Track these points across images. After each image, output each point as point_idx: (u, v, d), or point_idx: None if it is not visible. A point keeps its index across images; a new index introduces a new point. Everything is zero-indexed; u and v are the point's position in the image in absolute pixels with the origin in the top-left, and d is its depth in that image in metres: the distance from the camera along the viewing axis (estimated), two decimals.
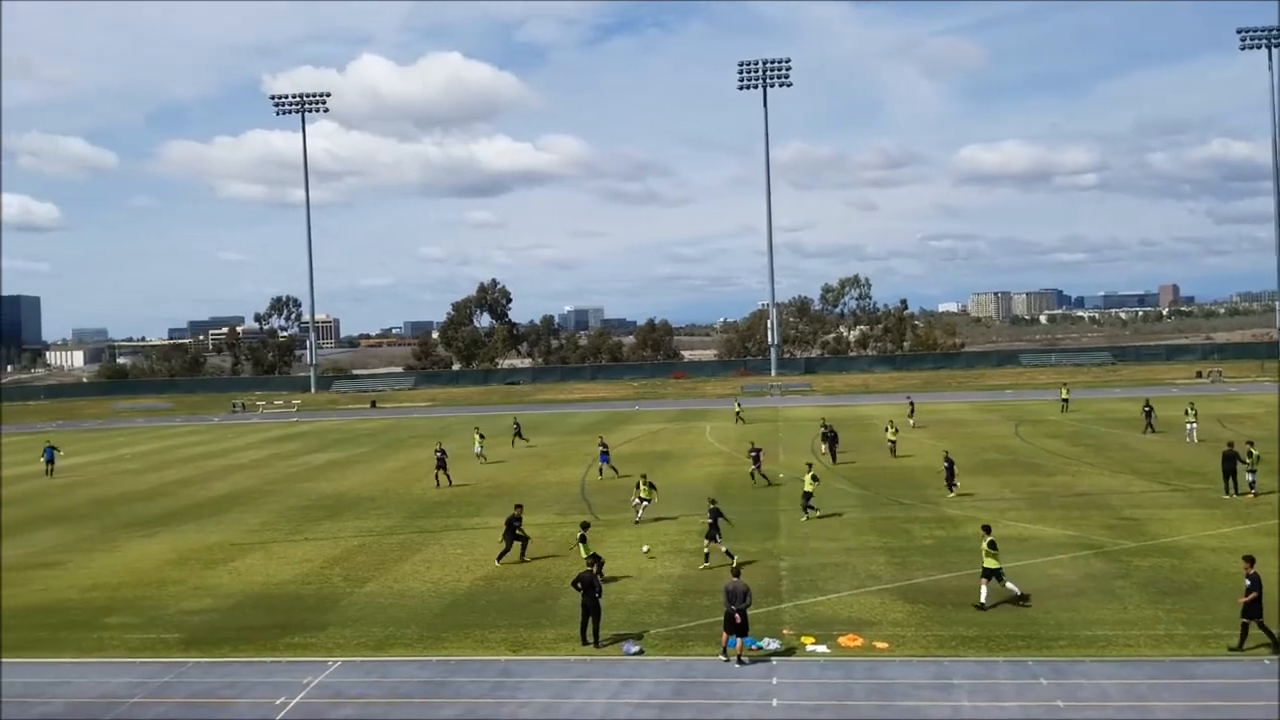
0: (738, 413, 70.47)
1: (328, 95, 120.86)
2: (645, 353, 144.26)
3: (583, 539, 27.49)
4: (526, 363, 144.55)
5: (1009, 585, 23.80)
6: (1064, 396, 68.50)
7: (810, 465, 36.93)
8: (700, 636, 22.16)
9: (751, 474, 41.80)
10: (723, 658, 20.65)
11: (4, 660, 22.51)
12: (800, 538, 31.78)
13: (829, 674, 19.82)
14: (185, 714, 18.90)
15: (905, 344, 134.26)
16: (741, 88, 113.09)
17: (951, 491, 37.74)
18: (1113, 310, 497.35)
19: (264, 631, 23.94)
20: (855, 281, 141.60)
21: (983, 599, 23.54)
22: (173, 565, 31.51)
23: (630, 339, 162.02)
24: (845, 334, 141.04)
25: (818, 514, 34.28)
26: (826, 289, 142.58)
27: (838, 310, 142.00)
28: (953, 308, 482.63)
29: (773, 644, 21.42)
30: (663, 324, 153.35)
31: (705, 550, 28.92)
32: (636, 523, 34.55)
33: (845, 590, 25.55)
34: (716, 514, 29.19)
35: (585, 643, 21.81)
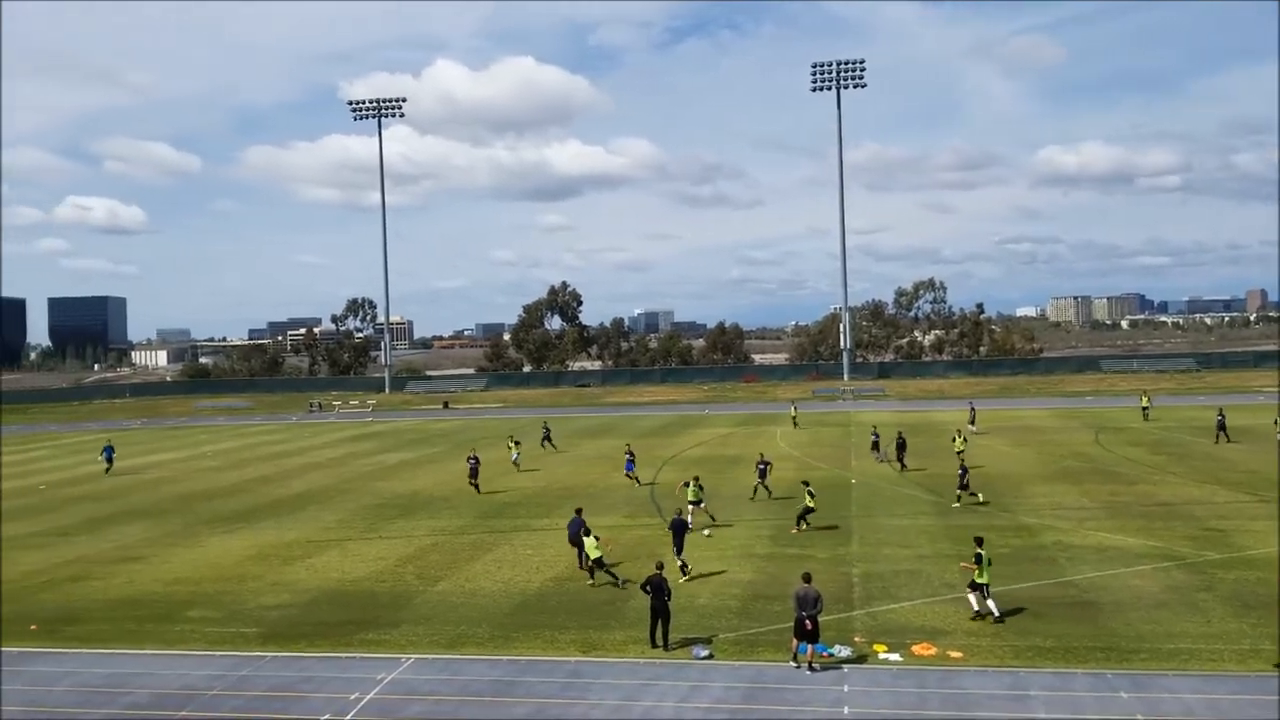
0: (793, 418, 69.89)
1: (404, 100, 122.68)
2: (715, 356, 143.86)
3: (584, 541, 27.85)
4: (596, 365, 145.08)
5: (988, 603, 23.30)
6: (1144, 405, 66.81)
7: (807, 483, 35.08)
8: (770, 642, 22.02)
9: (755, 488, 39.83)
10: (793, 664, 20.49)
11: (92, 651, 23.24)
12: (873, 544, 31.42)
13: (901, 683, 19.56)
14: (262, 707, 19.28)
15: (981, 349, 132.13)
16: (815, 89, 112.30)
17: (959, 501, 37.36)
18: (1197, 315, 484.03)
19: (339, 627, 24.34)
20: (930, 285, 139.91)
21: (975, 607, 23.35)
22: (252, 561, 32.19)
23: (700, 342, 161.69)
24: (920, 338, 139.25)
25: (807, 529, 33.41)
26: (900, 292, 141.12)
27: (912, 314, 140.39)
28: (1031, 312, 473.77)
29: (844, 651, 21.21)
30: (733, 327, 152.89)
31: (679, 561, 28.17)
32: (691, 530, 34.24)
33: (919, 598, 25.19)
34: (681, 525, 29.00)
35: (655, 646, 21.80)
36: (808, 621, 20.31)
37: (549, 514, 38.42)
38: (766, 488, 39.98)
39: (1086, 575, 26.91)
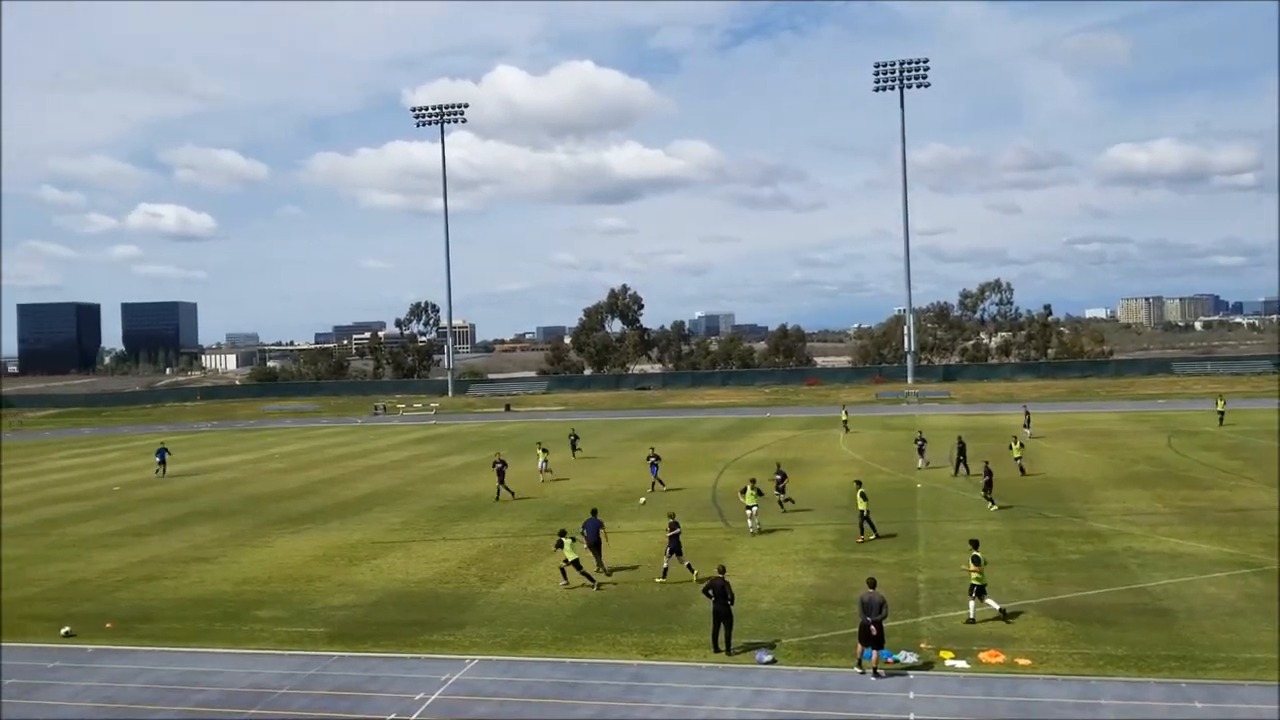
0: (844, 421, 68.72)
1: (465, 106, 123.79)
2: (777, 359, 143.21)
3: (560, 544, 27.83)
4: (657, 368, 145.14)
5: (989, 602, 23.52)
6: (1220, 409, 65.05)
7: (859, 484, 34.68)
8: (834, 648, 21.82)
9: (780, 503, 38.33)
10: (858, 670, 20.29)
11: (164, 649, 23.75)
12: (939, 549, 31.01)
13: (969, 690, 19.26)
14: (330, 706, 19.55)
15: (1050, 351, 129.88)
16: (878, 89, 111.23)
17: (992, 505, 37.11)
18: (1273, 316, 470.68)
19: (404, 628, 24.60)
20: (996, 286, 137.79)
21: (971, 615, 23.32)
22: (319, 562, 32.68)
23: (761, 345, 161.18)
24: (986, 341, 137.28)
25: (875, 537, 32.55)
26: (966, 294, 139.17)
27: (978, 316, 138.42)
28: (1101, 314, 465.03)
29: (910, 657, 20.95)
30: (795, 330, 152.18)
31: (665, 565, 28.40)
32: (753, 534, 34.17)
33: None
34: (676, 528, 28.71)
35: (717, 650, 21.72)
36: (873, 627, 20.08)
37: (610, 516, 38.40)
38: (789, 499, 38.56)
39: (1160, 582, 26.29)
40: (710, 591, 21.90)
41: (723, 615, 21.71)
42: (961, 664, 20.60)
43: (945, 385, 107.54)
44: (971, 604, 23.47)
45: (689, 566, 28.10)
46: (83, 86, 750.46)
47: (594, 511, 31.05)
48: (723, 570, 22.59)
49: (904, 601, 24.84)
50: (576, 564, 27.81)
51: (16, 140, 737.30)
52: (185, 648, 23.75)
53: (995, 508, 37.00)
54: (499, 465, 45.10)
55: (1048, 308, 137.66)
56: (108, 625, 25.83)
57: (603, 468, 53.17)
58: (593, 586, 27.49)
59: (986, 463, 39.74)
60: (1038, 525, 34.05)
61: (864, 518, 32.86)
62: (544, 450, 50.62)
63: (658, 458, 46.39)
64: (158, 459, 58.47)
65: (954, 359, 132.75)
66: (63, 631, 25.15)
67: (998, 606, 23.66)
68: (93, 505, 47.15)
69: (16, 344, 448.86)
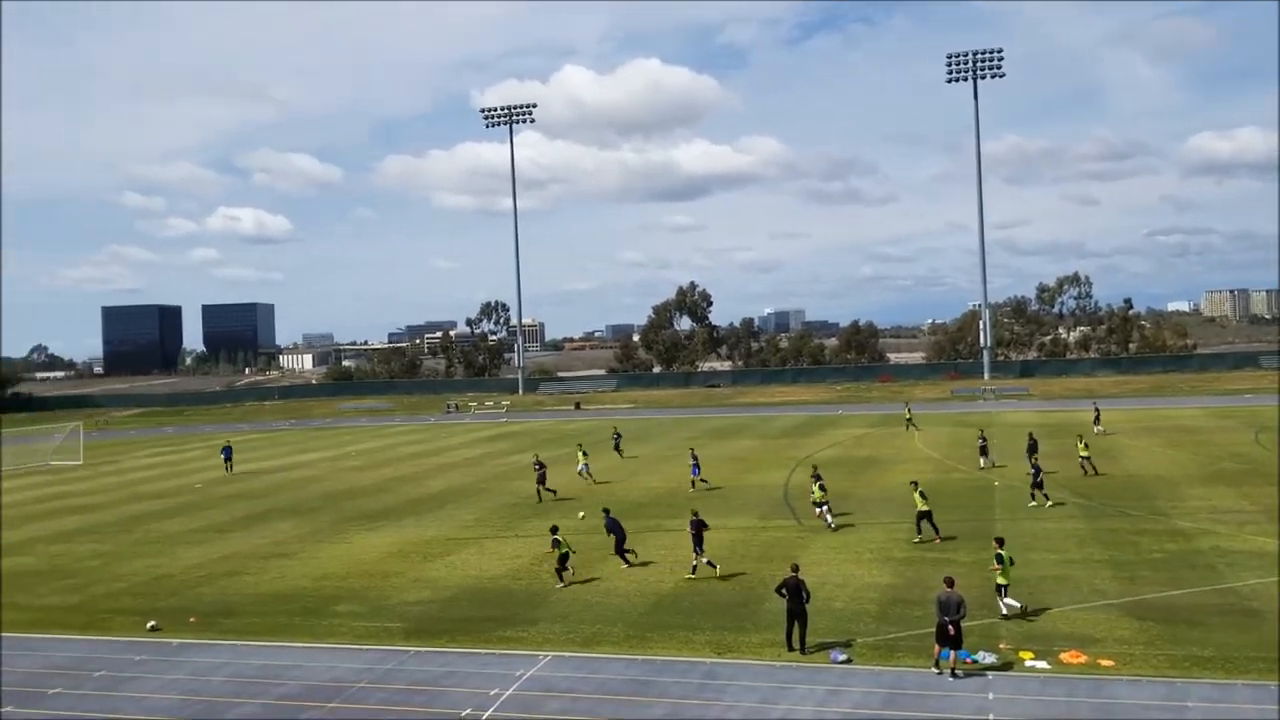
0: (908, 419, 67.45)
1: (534, 106, 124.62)
2: (849, 355, 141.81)
3: (555, 542, 28.48)
4: (726, 365, 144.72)
5: (1008, 600, 23.63)
6: None
7: (916, 483, 33.86)
8: (911, 648, 21.52)
9: (815, 504, 36.95)
10: (935, 670, 19.99)
11: (246, 643, 24.26)
12: (1018, 549, 30.31)
13: (1050, 691, 18.86)
14: (407, 700, 19.79)
15: (1131, 345, 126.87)
16: (950, 80, 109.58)
17: (1033, 500, 36.80)
18: None
19: (479, 624, 24.82)
20: (1074, 280, 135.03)
21: (1004, 612, 23.36)
22: (394, 558, 33.12)
23: (833, 341, 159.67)
24: (1064, 335, 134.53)
25: (939, 538, 31.75)
26: (1043, 288, 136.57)
27: (1056, 310, 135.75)
28: (1183, 307, 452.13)
29: (988, 658, 20.57)
30: (867, 326, 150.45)
31: (693, 563, 28.60)
32: (833, 529, 33.93)
33: (1067, 604, 24.27)
34: (700, 525, 28.87)
35: (791, 649, 21.55)
36: (950, 627, 19.79)
37: (680, 514, 38.33)
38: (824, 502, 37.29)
39: (1247, 582, 25.50)
40: (784, 590, 21.74)
41: (797, 614, 21.54)
42: (1042, 665, 20.18)
43: (1023, 381, 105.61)
44: (1001, 603, 23.48)
45: (709, 563, 28.40)
46: (163, 95, 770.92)
47: (606, 510, 31.79)
48: (796, 569, 22.41)
49: (982, 601, 24.38)
50: (564, 560, 28.64)
51: (99, 148, 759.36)
52: (266, 642, 24.24)
53: (1050, 504, 36.57)
54: (538, 467, 45.11)
55: (1128, 301, 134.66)
56: (191, 620, 26.46)
57: (671, 465, 53.13)
58: (560, 584, 28.21)
59: (1035, 459, 39.34)
60: (1120, 524, 33.25)
61: (923, 517, 32.22)
62: (584, 453, 50.34)
63: (697, 458, 46.31)
64: (224, 457, 59.94)
65: (1031, 355, 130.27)
66: (149, 626, 25.82)
67: (1017, 604, 23.61)
68: (176, 502, 48.37)
69: (102, 346, 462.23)
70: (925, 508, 32.23)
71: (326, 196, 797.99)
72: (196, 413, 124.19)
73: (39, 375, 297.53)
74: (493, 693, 19.87)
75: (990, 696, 18.72)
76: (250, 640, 24.41)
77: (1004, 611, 23.38)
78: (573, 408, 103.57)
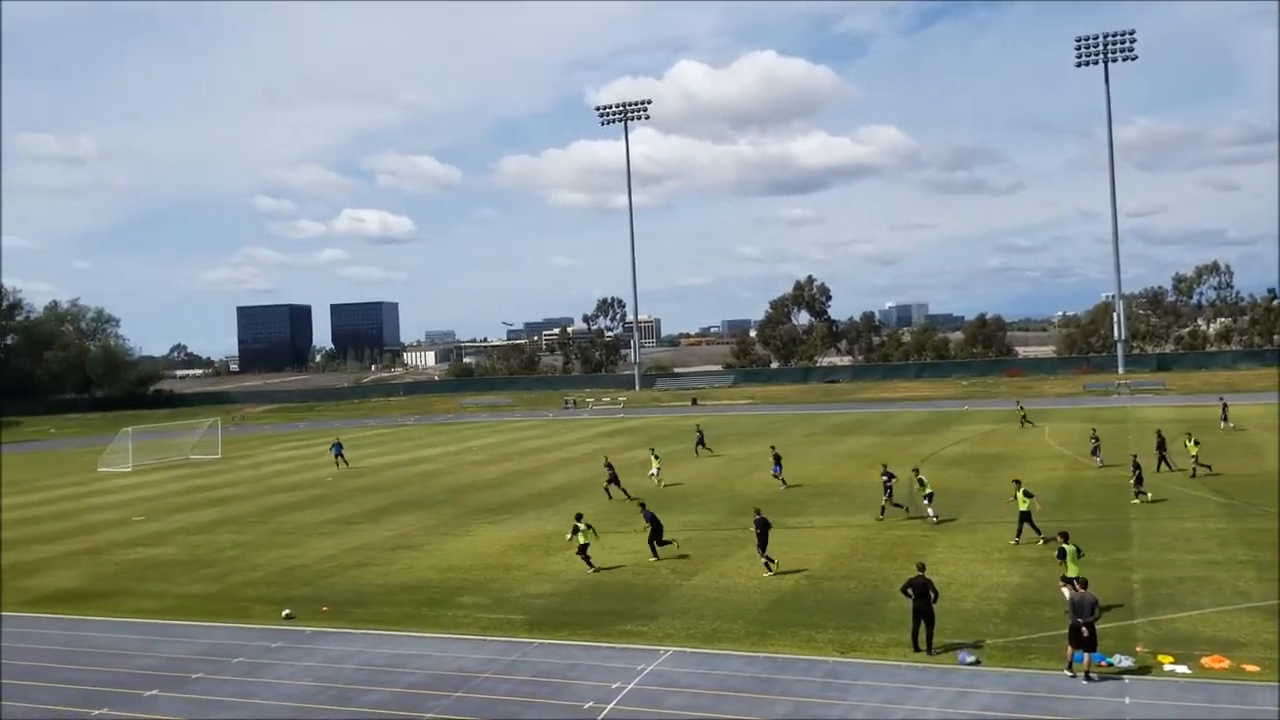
0: (1021, 415, 65.57)
1: (648, 103, 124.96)
2: (975, 349, 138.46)
3: (575, 530, 30.00)
4: (846, 360, 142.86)
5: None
6: None
7: (1018, 482, 32.60)
8: (1042, 650, 20.82)
9: (882, 506, 36.31)
10: (1068, 673, 19.31)
11: (375, 632, 24.90)
12: (1156, 548, 29.23)
13: (1190, 696, 18.03)
14: (531, 692, 20.01)
15: (1276, 337, 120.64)
16: (1079, 64, 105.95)
17: (1138, 498, 36.15)
18: None
19: (600, 618, 24.97)
20: (1214, 269, 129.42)
21: None
22: (516, 551, 33.59)
23: (958, 335, 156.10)
24: (1204, 327, 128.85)
25: (1041, 541, 30.29)
26: (1180, 278, 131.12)
27: (1194, 301, 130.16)
28: None
29: (1125, 661, 19.78)
30: (994, 319, 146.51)
31: (764, 559, 28.57)
32: (935, 521, 33.52)
33: (1208, 607, 23.19)
34: (764, 524, 28.78)
35: (917, 649, 21.08)
36: (1084, 628, 19.09)
37: (802, 512, 38.03)
38: (895, 504, 36.38)
39: None
40: (910, 589, 21.28)
41: (924, 613, 21.06)
42: (1182, 669, 19.31)
43: (1159, 375, 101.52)
44: (1066, 591, 22.53)
45: (766, 562, 28.40)
46: (292, 102, 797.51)
47: (643, 504, 33.17)
48: (922, 567, 21.92)
49: (1118, 602, 23.51)
50: (584, 549, 29.70)
51: (233, 154, 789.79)
52: (394, 631, 24.83)
53: (1149, 498, 36.18)
54: (609, 468, 44.53)
55: (1272, 291, 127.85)
56: (324, 609, 27.28)
57: (792, 462, 52.56)
58: (591, 570, 29.66)
59: (1134, 455, 38.55)
60: (1265, 524, 31.62)
61: (1025, 519, 30.99)
62: (656, 456, 49.00)
63: (778, 456, 45.37)
64: (334, 453, 61.79)
65: (1168, 347, 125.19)
66: (284, 614, 26.73)
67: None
68: (307, 495, 50.01)
69: (237, 344, 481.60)
70: (1026, 508, 31.11)
71: (447, 197, 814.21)
72: (326, 408, 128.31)
73: (179, 373, 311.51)
74: (615, 686, 19.95)
75: (1126, 701, 18.01)
76: (379, 629, 25.04)
77: None
78: (689, 403, 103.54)
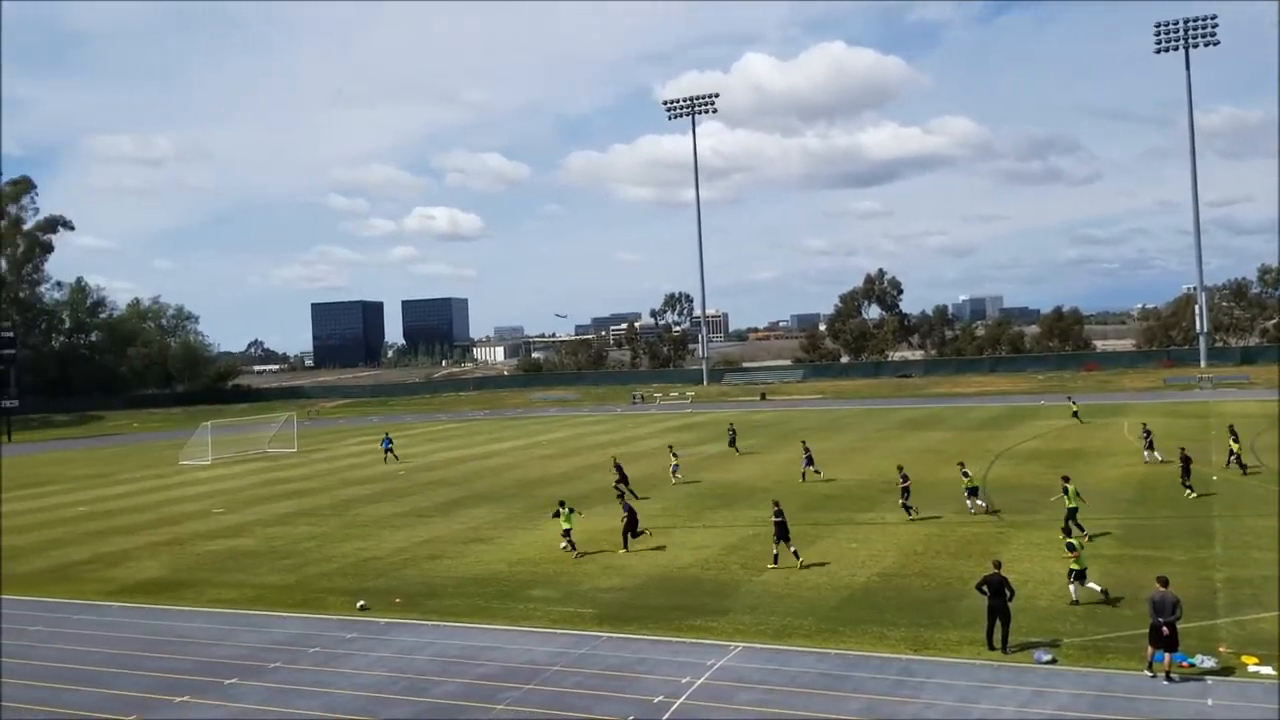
0: (1074, 411, 64.72)
1: (716, 96, 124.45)
2: (1051, 343, 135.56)
3: (556, 514, 32.54)
4: (918, 354, 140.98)
5: (1090, 585, 23.92)
6: None
7: (1067, 479, 31.99)
8: (1121, 649, 20.37)
9: (905, 507, 35.45)
10: (1148, 673, 18.86)
11: (447, 624, 25.18)
12: (1240, 546, 28.42)
13: (1275, 699, 17.47)
14: (601, 684, 20.08)
15: None
16: (1159, 50, 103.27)
17: (1191, 492, 36.06)
18: None
19: (668, 612, 24.97)
20: None
21: (1074, 597, 23.85)
22: (585, 545, 33.62)
23: (1033, 329, 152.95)
24: None
25: (1087, 537, 29.41)
26: (1265, 270, 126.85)
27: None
28: None
29: (1207, 661, 19.27)
30: (1071, 312, 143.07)
31: (774, 551, 29.27)
32: (973, 513, 33.52)
33: None
34: (781, 514, 29.38)
35: (992, 647, 20.75)
36: (1165, 628, 18.64)
37: (873, 507, 37.66)
38: (907, 506, 35.46)
39: None
40: (985, 587, 20.95)
41: (999, 611, 20.72)
42: (1267, 670, 18.75)
43: (1244, 369, 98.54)
44: (1072, 587, 23.92)
45: (794, 553, 29.01)
46: (362, 102, 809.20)
47: (621, 494, 35.26)
48: (998, 565, 21.57)
49: (1200, 602, 22.90)
50: (567, 534, 32.19)
51: (305, 154, 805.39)
52: (466, 623, 25.10)
53: (1194, 495, 35.63)
54: (617, 466, 44.68)
55: None
56: (397, 600, 27.67)
57: (863, 457, 52.16)
58: (572, 553, 31.83)
59: (1182, 448, 37.89)
60: None
61: (1071, 516, 30.40)
62: (675, 455, 48.89)
63: (809, 451, 46.17)
64: (384, 447, 63.23)
65: (1253, 340, 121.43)
66: (358, 605, 27.18)
67: (1098, 589, 23.96)
68: (381, 488, 50.76)
69: (311, 340, 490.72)
70: (1073, 505, 30.62)
71: (515, 193, 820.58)
72: (398, 403, 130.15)
73: (256, 368, 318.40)
74: (684, 680, 19.93)
75: (1209, 702, 17.55)
76: (451, 621, 25.32)
77: (1074, 597, 23.78)
78: (758, 398, 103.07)
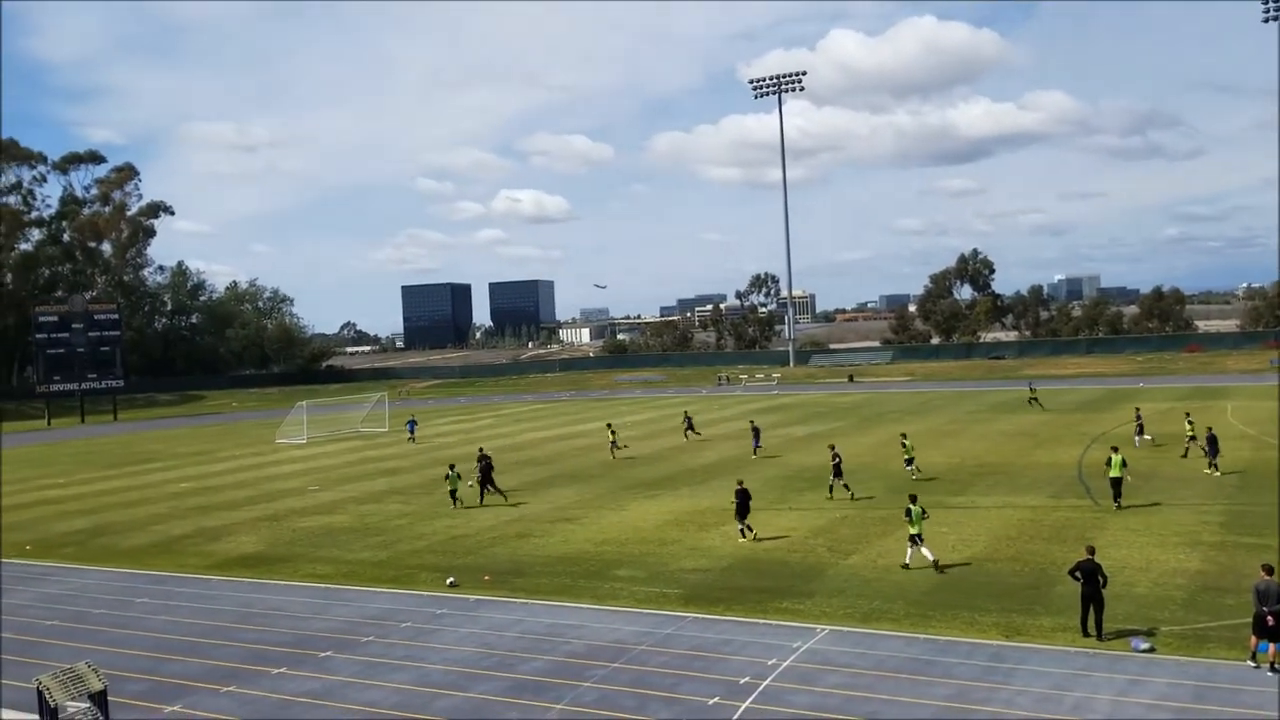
0: (1032, 397, 65.32)
1: (803, 74, 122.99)
2: (1150, 324, 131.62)
3: (447, 477, 36.75)
4: (1012, 336, 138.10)
5: (924, 551, 25.95)
6: None
7: (1116, 449, 33.09)
8: (1223, 639, 19.74)
9: (830, 486, 36.69)
10: (1251, 664, 18.25)
11: (535, 602, 25.48)
12: None
13: None
14: (686, 665, 20.12)
15: None
16: (1266, 19, 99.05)
17: (1214, 469, 36.99)
18: None
19: (754, 594, 24.90)
20: None
21: (907, 559, 26.11)
22: (670, 526, 33.81)
23: (1132, 309, 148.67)
24: None
25: (1118, 505, 30.65)
26: None
27: None
28: None
29: None
30: (1172, 292, 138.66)
31: (740, 527, 30.67)
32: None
33: None
34: (744, 495, 30.71)
35: (1086, 634, 20.28)
36: (1270, 617, 18.00)
37: (964, 491, 37.04)
38: (845, 485, 36.83)
39: None
40: (1079, 574, 20.46)
41: (1093, 598, 20.24)
42: None
43: None
44: (909, 550, 26.23)
45: (743, 530, 30.57)
46: (455, 86, 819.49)
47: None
48: (1092, 551, 21.04)
49: None
50: (453, 494, 36.28)
51: (398, 139, 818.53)
52: (553, 601, 25.36)
53: (1219, 474, 36.61)
54: (481, 459, 43.29)
55: None
56: (486, 578, 28.08)
57: (955, 440, 51.31)
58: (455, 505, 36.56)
59: (1210, 428, 38.12)
60: None
61: (1116, 485, 31.78)
62: (613, 432, 53.58)
63: (758, 430, 50.50)
64: (409, 430, 65.03)
65: None
66: (448, 582, 27.65)
67: (931, 557, 25.88)
68: (469, 467, 51.39)
69: (402, 322, 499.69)
70: (1117, 475, 31.62)
71: (600, 175, 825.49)
72: (486, 384, 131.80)
73: (348, 350, 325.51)
74: (770, 662, 19.87)
75: None
76: (539, 599, 25.61)
77: (905, 560, 26.03)
78: (846, 380, 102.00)
